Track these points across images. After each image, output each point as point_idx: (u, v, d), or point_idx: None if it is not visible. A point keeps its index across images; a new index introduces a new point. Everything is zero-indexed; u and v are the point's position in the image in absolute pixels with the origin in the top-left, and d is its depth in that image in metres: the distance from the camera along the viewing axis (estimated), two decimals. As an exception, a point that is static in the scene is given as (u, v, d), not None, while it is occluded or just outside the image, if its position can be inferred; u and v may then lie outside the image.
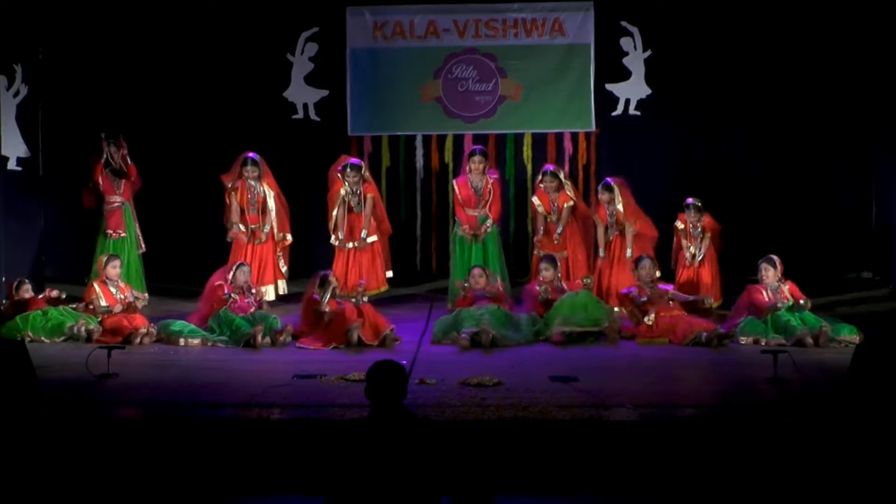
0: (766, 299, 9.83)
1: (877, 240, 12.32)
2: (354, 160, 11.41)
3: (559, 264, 10.57)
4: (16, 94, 11.62)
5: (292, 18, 12.62)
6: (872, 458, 6.33)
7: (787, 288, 9.95)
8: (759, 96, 12.41)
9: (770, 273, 10.02)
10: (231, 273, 10.11)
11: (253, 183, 11.20)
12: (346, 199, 11.17)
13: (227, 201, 11.28)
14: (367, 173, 11.47)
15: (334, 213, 11.20)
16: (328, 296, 9.71)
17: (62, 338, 9.63)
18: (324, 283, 9.80)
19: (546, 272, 10.27)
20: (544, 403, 7.14)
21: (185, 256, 12.20)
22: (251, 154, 11.24)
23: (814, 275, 11.18)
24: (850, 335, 9.36)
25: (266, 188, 11.23)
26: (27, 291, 10.15)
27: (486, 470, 6.31)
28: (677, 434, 6.66)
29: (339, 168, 11.23)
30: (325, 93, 12.76)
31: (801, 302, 9.78)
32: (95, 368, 8.05)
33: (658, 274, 10.32)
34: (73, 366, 8.35)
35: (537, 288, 10.20)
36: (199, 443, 6.65)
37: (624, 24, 12.56)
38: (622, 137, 12.61)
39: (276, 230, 11.30)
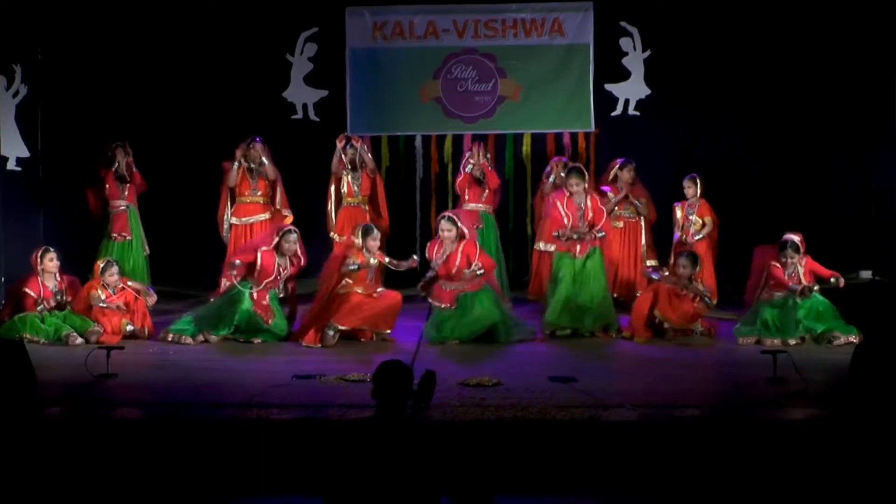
0: (786, 279, 9.73)
1: (876, 240, 12.32)
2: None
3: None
4: (15, 95, 11.63)
5: (291, 19, 12.64)
6: (872, 459, 6.33)
7: (802, 271, 9.77)
8: (759, 96, 12.41)
9: (794, 260, 9.80)
10: (276, 240, 9.79)
11: (255, 166, 11.17)
12: (340, 174, 11.15)
13: (223, 195, 11.28)
14: (368, 154, 11.47)
15: (330, 206, 11.26)
16: (362, 255, 9.55)
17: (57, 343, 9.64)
18: (367, 232, 9.66)
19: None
20: (543, 404, 7.14)
21: (185, 257, 12.19)
22: (257, 136, 11.29)
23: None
24: (847, 334, 9.37)
25: (268, 170, 11.22)
26: (52, 260, 9.99)
27: (485, 470, 6.30)
28: (677, 434, 6.66)
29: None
30: (324, 93, 12.77)
31: (832, 280, 9.75)
32: (95, 369, 8.04)
33: (697, 270, 10.01)
34: (73, 366, 8.35)
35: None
36: (199, 443, 6.64)
37: (623, 24, 12.57)
38: (622, 138, 12.61)
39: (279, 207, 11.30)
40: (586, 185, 10.06)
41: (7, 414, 6.67)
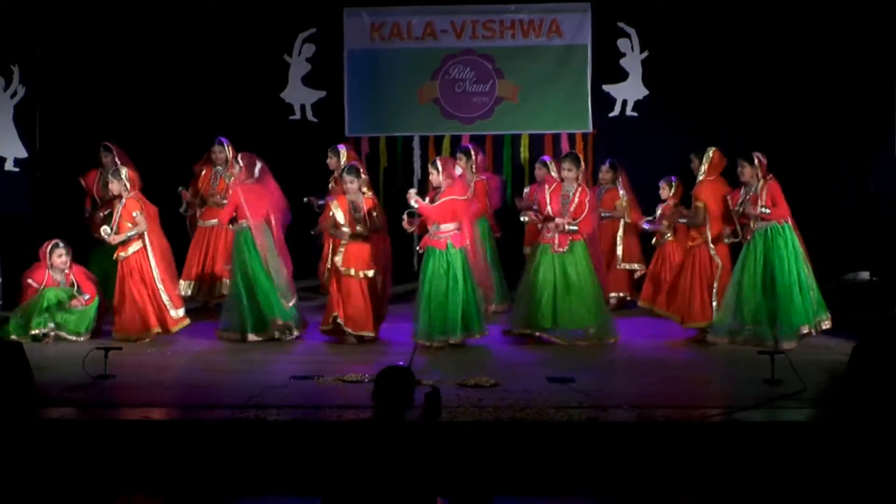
0: (736, 206, 9.51)
1: (875, 240, 12.31)
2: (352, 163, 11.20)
3: None
4: (13, 95, 11.63)
5: (289, 19, 12.65)
6: (871, 460, 6.34)
7: (765, 194, 9.35)
8: (758, 97, 12.40)
9: (746, 171, 9.46)
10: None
11: (220, 168, 11.09)
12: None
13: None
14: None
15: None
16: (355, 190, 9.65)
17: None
18: (347, 172, 9.73)
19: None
20: (541, 405, 7.14)
21: (182, 257, 12.17)
22: (221, 137, 11.12)
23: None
24: (787, 338, 9.24)
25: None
26: (60, 256, 9.82)
27: (484, 471, 6.31)
28: (675, 435, 6.66)
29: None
30: (322, 94, 12.77)
31: (762, 210, 9.27)
32: (92, 369, 8.04)
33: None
34: (70, 367, 8.35)
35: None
36: (197, 444, 6.64)
37: (621, 25, 12.58)
38: (619, 138, 12.60)
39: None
40: (579, 175, 9.71)
41: (5, 415, 6.68)
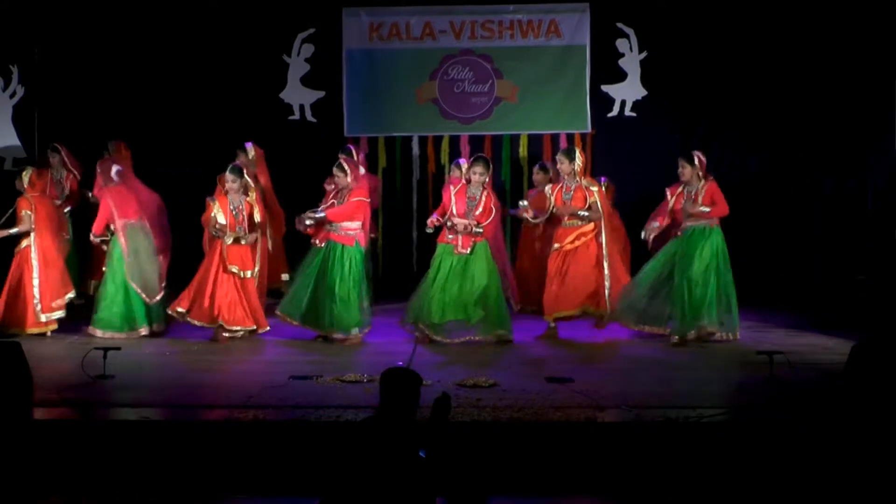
0: (674, 205, 9.65)
1: (873, 241, 12.31)
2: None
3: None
4: (12, 95, 11.65)
5: (288, 20, 12.66)
6: (869, 460, 6.34)
7: (703, 192, 9.49)
8: (756, 97, 12.42)
9: (686, 170, 9.53)
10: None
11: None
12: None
13: None
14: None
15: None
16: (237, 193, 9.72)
17: None
18: (234, 170, 9.76)
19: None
20: (540, 405, 7.15)
21: (181, 259, 12.17)
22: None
23: (810, 276, 11.19)
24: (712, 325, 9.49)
25: None
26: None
27: (481, 471, 6.30)
28: (673, 435, 6.67)
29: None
30: (321, 94, 12.78)
31: (701, 209, 9.45)
32: (91, 369, 8.04)
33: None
34: (69, 367, 8.36)
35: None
36: (195, 444, 6.64)
37: (620, 25, 12.59)
38: (618, 139, 12.63)
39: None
40: (487, 179, 9.67)
41: (3, 415, 6.67)
